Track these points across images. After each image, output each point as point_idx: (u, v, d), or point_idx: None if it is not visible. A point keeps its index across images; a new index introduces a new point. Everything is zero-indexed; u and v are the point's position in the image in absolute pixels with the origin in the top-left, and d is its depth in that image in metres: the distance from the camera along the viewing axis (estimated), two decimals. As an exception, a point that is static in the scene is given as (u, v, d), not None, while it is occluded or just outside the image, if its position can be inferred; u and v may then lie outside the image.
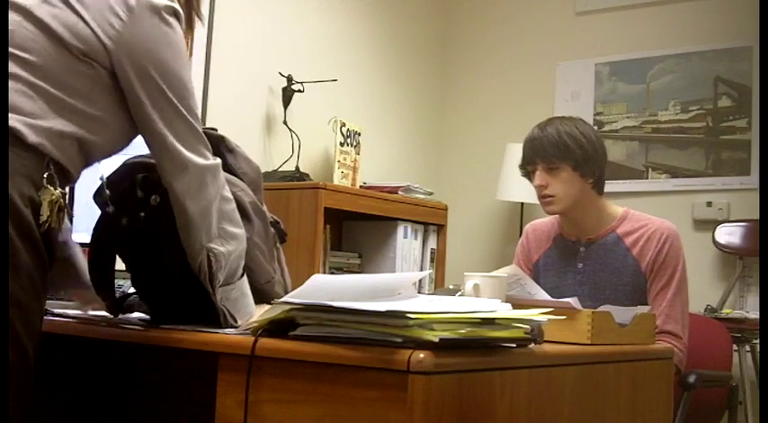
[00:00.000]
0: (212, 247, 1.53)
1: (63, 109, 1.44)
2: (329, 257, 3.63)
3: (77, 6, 1.46)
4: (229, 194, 1.60)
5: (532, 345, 1.43)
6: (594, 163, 2.43)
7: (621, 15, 4.28)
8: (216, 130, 1.75)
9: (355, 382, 1.26)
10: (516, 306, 1.45)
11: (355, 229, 3.87)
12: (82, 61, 1.45)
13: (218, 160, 1.59)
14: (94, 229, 1.67)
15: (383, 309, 1.25)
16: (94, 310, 1.80)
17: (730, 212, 3.90)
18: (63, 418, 1.95)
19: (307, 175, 3.64)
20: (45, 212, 1.41)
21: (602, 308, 1.79)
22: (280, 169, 3.65)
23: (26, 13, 1.44)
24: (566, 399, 1.53)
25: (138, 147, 1.59)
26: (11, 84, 1.40)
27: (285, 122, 3.71)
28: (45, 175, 1.42)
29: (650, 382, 1.83)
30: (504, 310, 1.38)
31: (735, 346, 3.24)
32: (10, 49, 1.41)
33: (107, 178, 1.65)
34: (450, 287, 1.96)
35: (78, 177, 1.54)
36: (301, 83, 3.71)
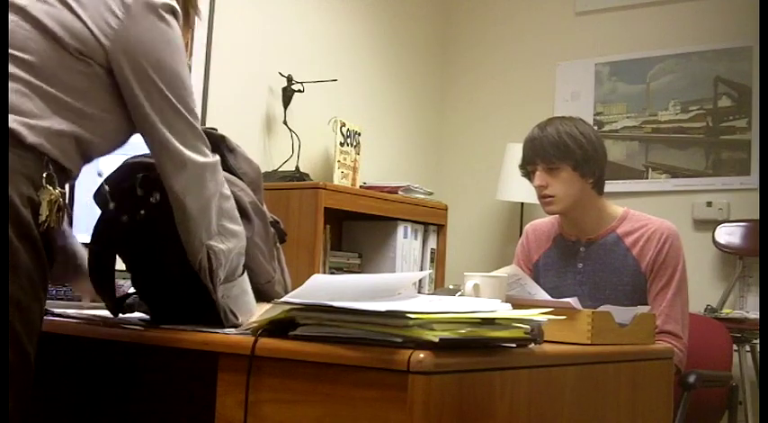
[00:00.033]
0: (212, 245, 1.53)
1: (61, 108, 1.44)
2: (329, 257, 3.63)
3: (74, 5, 1.45)
4: (228, 192, 1.60)
5: (532, 345, 1.43)
6: (594, 163, 2.43)
7: (621, 15, 4.28)
8: (216, 130, 1.75)
9: (355, 382, 1.26)
10: (516, 306, 1.45)
11: (355, 229, 3.87)
12: (79, 60, 1.45)
13: (217, 157, 1.59)
14: (95, 229, 1.67)
15: (383, 309, 1.25)
16: (94, 300, 1.80)
17: (730, 212, 3.90)
18: (63, 418, 1.95)
19: (307, 175, 3.64)
20: (44, 212, 1.41)
21: (602, 308, 1.79)
22: (280, 169, 3.65)
23: (23, 13, 1.44)
24: (566, 399, 1.53)
25: (139, 147, 1.59)
26: (9, 84, 1.40)
27: (285, 122, 3.71)
28: (44, 175, 1.42)
29: (650, 382, 1.83)
30: (504, 310, 1.38)
31: (735, 346, 3.24)
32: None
33: (107, 178, 1.65)
34: (451, 287, 1.96)
35: (78, 175, 1.54)
36: (301, 83, 3.71)
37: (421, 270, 3.87)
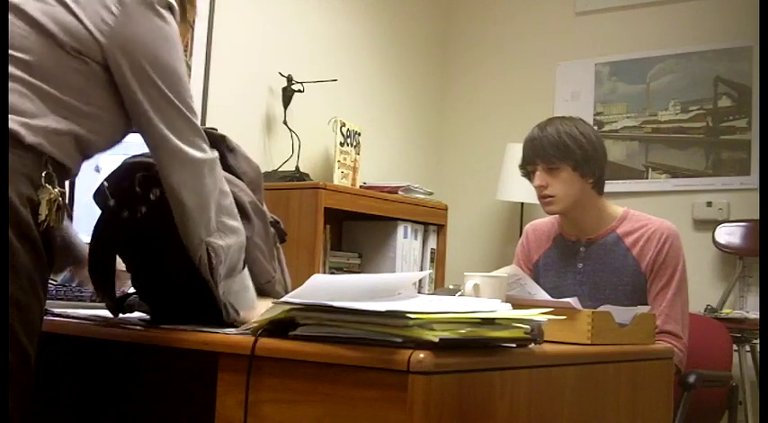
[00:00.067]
0: (211, 242, 1.53)
1: (59, 106, 1.44)
2: (329, 257, 3.63)
3: (69, 1, 1.45)
4: (227, 188, 1.59)
5: (532, 345, 1.43)
6: (594, 163, 2.43)
7: (621, 15, 4.28)
8: (216, 130, 1.75)
9: (355, 382, 1.26)
10: (516, 306, 1.45)
11: (355, 229, 3.87)
12: (75, 57, 1.44)
13: (216, 154, 1.58)
14: (95, 228, 1.67)
15: (383, 309, 1.25)
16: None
17: (730, 212, 3.90)
18: (63, 418, 1.95)
19: (307, 175, 3.64)
20: (43, 211, 1.41)
21: (602, 308, 1.79)
22: (280, 169, 3.65)
23: (18, 12, 1.44)
24: (566, 399, 1.53)
25: (138, 147, 1.59)
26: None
27: (285, 122, 3.71)
28: (43, 174, 1.42)
29: (650, 382, 1.83)
30: (504, 310, 1.38)
31: (735, 346, 3.24)
32: None
33: (107, 178, 1.65)
34: (451, 287, 1.96)
35: (78, 172, 1.54)
36: (301, 83, 3.71)
37: (421, 270, 3.87)
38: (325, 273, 3.49)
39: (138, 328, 1.61)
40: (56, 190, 1.43)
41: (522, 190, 3.77)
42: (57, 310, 1.77)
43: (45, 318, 1.49)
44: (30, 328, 1.39)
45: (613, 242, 2.46)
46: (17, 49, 1.42)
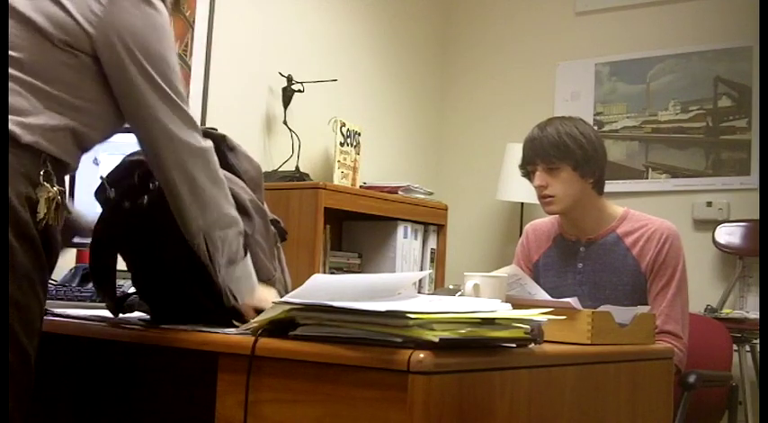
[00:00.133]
0: (209, 231, 1.52)
1: (53, 102, 1.44)
2: (329, 257, 3.63)
3: None
4: (222, 177, 1.59)
5: (532, 345, 1.43)
6: (594, 163, 2.43)
7: (621, 15, 4.28)
8: (216, 130, 1.75)
9: (355, 382, 1.26)
10: (516, 306, 1.45)
11: (355, 229, 3.87)
12: (64, 51, 1.44)
13: (210, 143, 1.57)
14: (95, 228, 1.67)
15: (383, 309, 1.25)
16: None
17: (730, 212, 3.90)
18: (63, 418, 1.95)
19: (307, 175, 3.64)
20: (42, 210, 1.41)
21: (602, 308, 1.79)
22: (280, 169, 3.65)
23: (10, 10, 1.44)
24: (566, 399, 1.53)
25: (137, 147, 1.58)
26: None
27: (285, 122, 3.71)
28: (41, 173, 1.41)
29: (650, 382, 1.83)
30: (504, 310, 1.38)
31: (735, 346, 3.24)
32: None
33: (107, 175, 1.65)
34: (451, 287, 1.95)
35: (77, 166, 1.53)
36: (301, 83, 3.71)
37: (421, 270, 3.87)
38: (325, 273, 3.49)
39: (138, 328, 1.61)
40: (54, 188, 1.43)
41: (522, 190, 3.76)
42: (57, 310, 1.77)
43: (45, 318, 1.49)
44: (30, 328, 1.39)
45: (613, 242, 2.46)
46: (11, 49, 1.42)
